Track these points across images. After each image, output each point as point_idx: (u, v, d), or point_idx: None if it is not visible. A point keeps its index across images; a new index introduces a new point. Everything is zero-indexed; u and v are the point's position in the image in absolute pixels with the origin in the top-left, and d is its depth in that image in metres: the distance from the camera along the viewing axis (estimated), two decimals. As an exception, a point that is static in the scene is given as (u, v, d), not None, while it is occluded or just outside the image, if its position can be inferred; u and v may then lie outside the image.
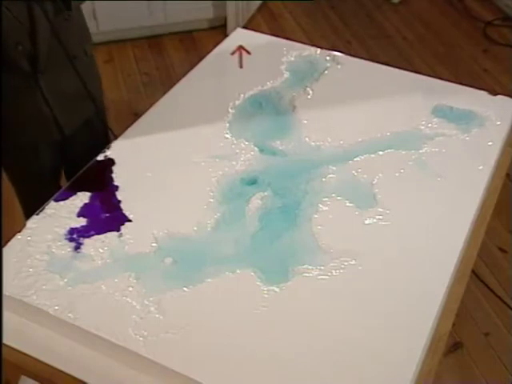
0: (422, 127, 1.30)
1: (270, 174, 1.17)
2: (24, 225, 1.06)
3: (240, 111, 1.33)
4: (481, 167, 1.21)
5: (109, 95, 2.34)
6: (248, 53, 1.51)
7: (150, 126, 1.29)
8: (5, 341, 0.91)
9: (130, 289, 0.96)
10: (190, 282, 0.97)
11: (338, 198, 1.13)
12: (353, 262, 1.01)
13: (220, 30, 2.95)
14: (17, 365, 0.93)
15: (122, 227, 1.06)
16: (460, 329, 1.72)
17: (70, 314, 0.92)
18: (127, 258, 1.01)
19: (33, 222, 1.07)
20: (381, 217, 1.09)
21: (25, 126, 1.26)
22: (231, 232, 1.06)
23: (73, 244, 1.03)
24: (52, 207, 1.10)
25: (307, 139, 1.26)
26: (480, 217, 1.16)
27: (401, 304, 0.96)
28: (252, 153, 1.22)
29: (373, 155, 1.22)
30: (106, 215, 1.08)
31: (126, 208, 1.10)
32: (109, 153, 1.21)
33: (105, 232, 1.05)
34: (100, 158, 1.20)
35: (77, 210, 1.09)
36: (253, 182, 1.16)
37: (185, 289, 0.96)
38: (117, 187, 1.14)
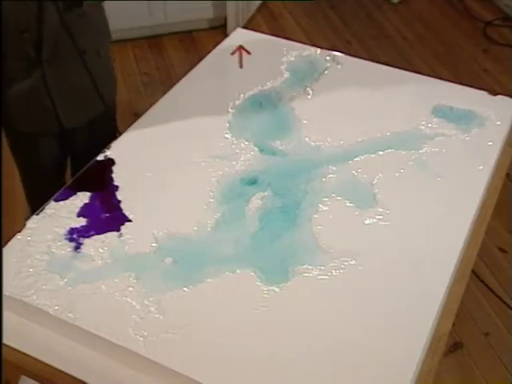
0: (422, 127, 1.30)
1: (270, 174, 1.17)
2: (24, 225, 1.06)
3: (240, 111, 1.33)
4: (481, 167, 1.21)
5: (109, 95, 2.33)
6: (248, 53, 1.51)
7: (150, 126, 1.29)
8: (5, 341, 0.91)
9: (130, 289, 0.96)
10: (190, 282, 0.97)
11: (338, 198, 1.13)
12: (353, 262, 1.01)
13: (220, 29, 2.96)
14: (17, 365, 0.93)
15: (122, 227, 1.06)
16: (460, 329, 1.72)
17: (70, 314, 0.92)
18: (127, 258, 1.01)
19: (33, 222, 1.07)
20: (381, 217, 1.09)
21: (24, 112, 1.27)
22: (231, 232, 1.06)
23: (73, 244, 1.03)
24: (52, 207, 1.10)
25: (307, 139, 1.26)
26: (480, 217, 1.16)
27: (401, 304, 0.96)
28: (252, 153, 1.22)
29: (373, 155, 1.22)
30: (106, 215, 1.08)
31: (126, 208, 1.10)
32: (109, 153, 1.21)
33: (105, 232, 1.05)
34: (100, 157, 1.20)
35: (77, 210, 1.09)
36: (253, 182, 1.16)
37: (185, 289, 0.96)
38: (117, 187, 1.14)
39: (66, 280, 0.97)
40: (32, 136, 1.34)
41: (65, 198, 1.12)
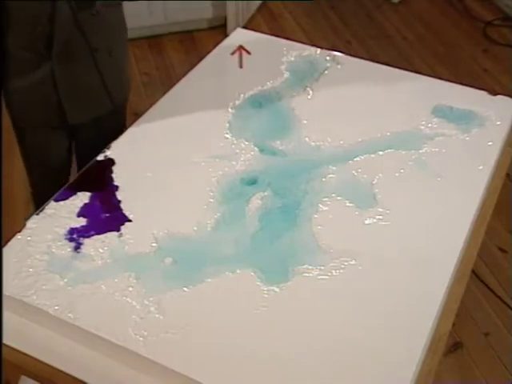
0: (422, 127, 1.30)
1: (270, 174, 1.17)
2: (24, 225, 1.06)
3: (240, 111, 1.33)
4: (481, 167, 1.21)
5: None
6: (248, 53, 1.51)
7: (150, 126, 1.29)
8: (5, 341, 0.91)
9: (130, 289, 0.96)
10: (190, 282, 0.97)
11: (338, 198, 1.13)
12: (353, 262, 1.01)
13: (220, 29, 2.95)
14: (17, 365, 0.93)
15: (122, 227, 1.06)
16: (460, 329, 1.72)
17: (70, 314, 0.92)
18: (127, 258, 1.01)
19: (33, 222, 1.07)
20: (381, 217, 1.09)
21: (31, 105, 1.28)
22: (231, 232, 1.06)
23: (73, 244, 1.03)
24: (52, 207, 1.10)
25: (307, 139, 1.26)
26: (480, 217, 1.16)
27: (401, 304, 0.96)
28: (252, 153, 1.22)
29: (373, 155, 1.22)
30: (106, 215, 1.08)
31: (126, 208, 1.10)
32: (109, 153, 1.21)
33: (105, 232, 1.05)
34: (100, 157, 1.20)
35: (77, 209, 1.09)
36: (253, 182, 1.16)
37: (185, 289, 0.96)
38: (117, 187, 1.14)
39: (65, 280, 0.97)
40: (38, 130, 1.35)
41: (65, 198, 1.12)
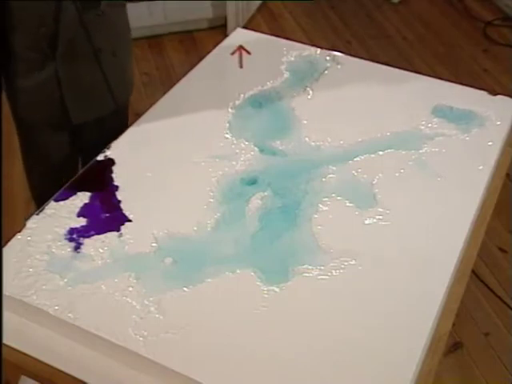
0: (422, 127, 1.30)
1: (270, 174, 1.18)
2: (24, 225, 1.06)
3: (240, 111, 1.33)
4: (481, 167, 1.21)
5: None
6: (248, 53, 1.51)
7: (150, 126, 1.29)
8: (5, 341, 0.91)
9: (130, 289, 0.96)
10: (190, 282, 0.97)
11: (338, 198, 1.13)
12: (353, 262, 1.01)
13: (220, 29, 2.96)
14: (17, 365, 0.93)
15: (122, 227, 1.06)
16: (460, 329, 1.72)
17: (70, 314, 0.92)
18: (127, 258, 1.01)
19: (33, 222, 1.07)
20: (381, 217, 1.09)
21: (35, 105, 1.28)
22: (231, 232, 1.06)
23: (73, 244, 1.03)
24: (52, 207, 1.10)
25: (307, 139, 1.26)
26: (480, 217, 1.16)
27: (401, 304, 0.96)
28: (252, 153, 1.22)
29: (373, 155, 1.22)
30: (106, 215, 1.08)
31: (126, 208, 1.10)
32: (109, 153, 1.21)
33: (105, 232, 1.05)
34: (100, 157, 1.20)
35: (77, 209, 1.09)
36: (253, 182, 1.16)
37: (185, 289, 0.96)
38: (117, 187, 1.14)
39: (66, 280, 0.97)
40: (42, 130, 1.35)
41: (65, 198, 1.12)
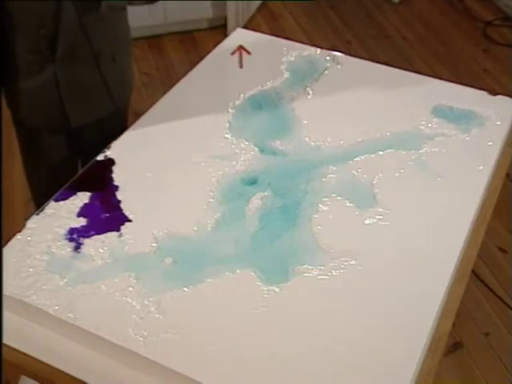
0: (422, 127, 1.30)
1: (270, 174, 1.17)
2: (24, 225, 1.06)
3: (240, 111, 1.33)
4: (481, 167, 1.21)
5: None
6: (248, 53, 1.51)
7: (150, 126, 1.29)
8: (5, 341, 0.91)
9: (130, 289, 0.96)
10: (190, 282, 0.97)
11: (338, 198, 1.13)
12: (353, 262, 1.01)
13: (220, 29, 2.95)
14: (17, 365, 0.93)
15: (122, 227, 1.06)
16: (460, 329, 1.72)
17: (70, 314, 0.92)
18: (127, 258, 1.01)
19: (33, 222, 1.07)
20: (381, 217, 1.09)
21: (34, 107, 1.28)
22: (231, 232, 1.06)
23: (73, 244, 1.03)
24: (52, 207, 1.10)
25: (307, 139, 1.26)
26: (480, 217, 1.16)
27: (401, 304, 0.96)
28: (252, 153, 1.22)
29: (373, 155, 1.22)
30: (106, 215, 1.08)
31: (126, 208, 1.10)
32: (109, 153, 1.21)
33: (105, 232, 1.05)
34: (100, 157, 1.20)
35: (77, 210, 1.09)
36: (253, 182, 1.16)
37: (185, 289, 0.96)
38: (117, 187, 1.14)
39: (65, 280, 0.97)
40: (41, 132, 1.35)
41: (65, 198, 1.12)
